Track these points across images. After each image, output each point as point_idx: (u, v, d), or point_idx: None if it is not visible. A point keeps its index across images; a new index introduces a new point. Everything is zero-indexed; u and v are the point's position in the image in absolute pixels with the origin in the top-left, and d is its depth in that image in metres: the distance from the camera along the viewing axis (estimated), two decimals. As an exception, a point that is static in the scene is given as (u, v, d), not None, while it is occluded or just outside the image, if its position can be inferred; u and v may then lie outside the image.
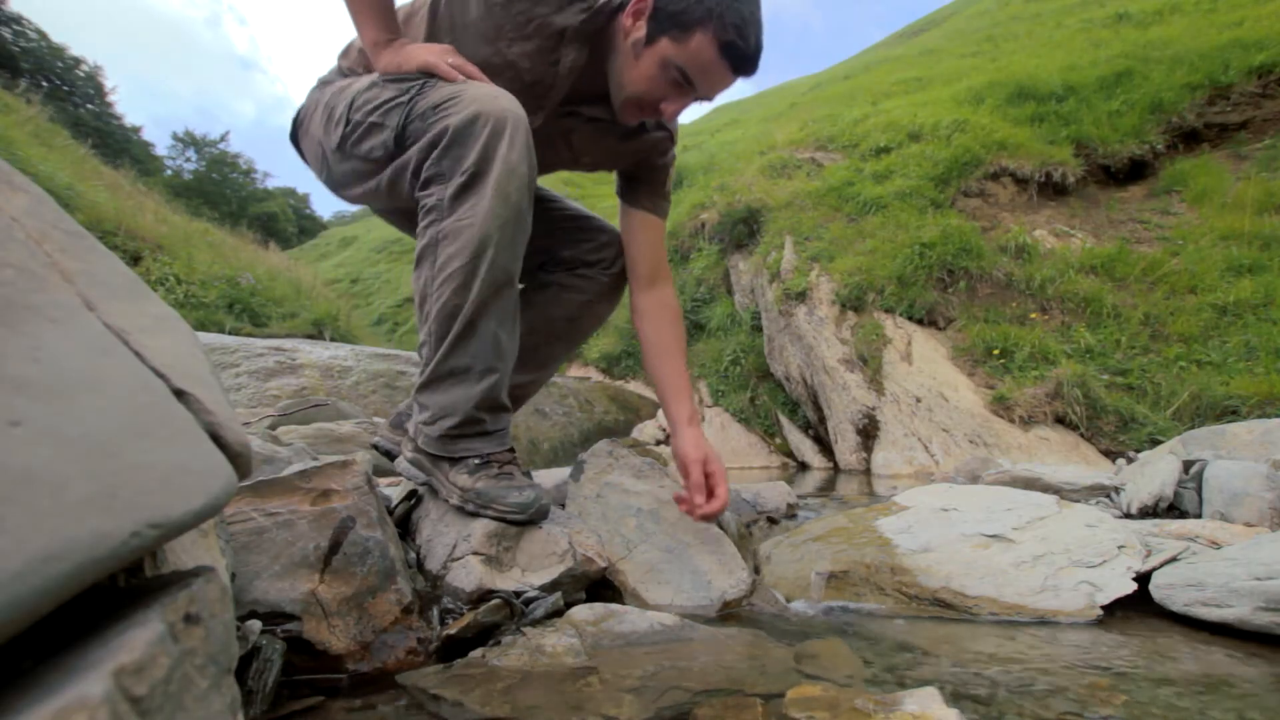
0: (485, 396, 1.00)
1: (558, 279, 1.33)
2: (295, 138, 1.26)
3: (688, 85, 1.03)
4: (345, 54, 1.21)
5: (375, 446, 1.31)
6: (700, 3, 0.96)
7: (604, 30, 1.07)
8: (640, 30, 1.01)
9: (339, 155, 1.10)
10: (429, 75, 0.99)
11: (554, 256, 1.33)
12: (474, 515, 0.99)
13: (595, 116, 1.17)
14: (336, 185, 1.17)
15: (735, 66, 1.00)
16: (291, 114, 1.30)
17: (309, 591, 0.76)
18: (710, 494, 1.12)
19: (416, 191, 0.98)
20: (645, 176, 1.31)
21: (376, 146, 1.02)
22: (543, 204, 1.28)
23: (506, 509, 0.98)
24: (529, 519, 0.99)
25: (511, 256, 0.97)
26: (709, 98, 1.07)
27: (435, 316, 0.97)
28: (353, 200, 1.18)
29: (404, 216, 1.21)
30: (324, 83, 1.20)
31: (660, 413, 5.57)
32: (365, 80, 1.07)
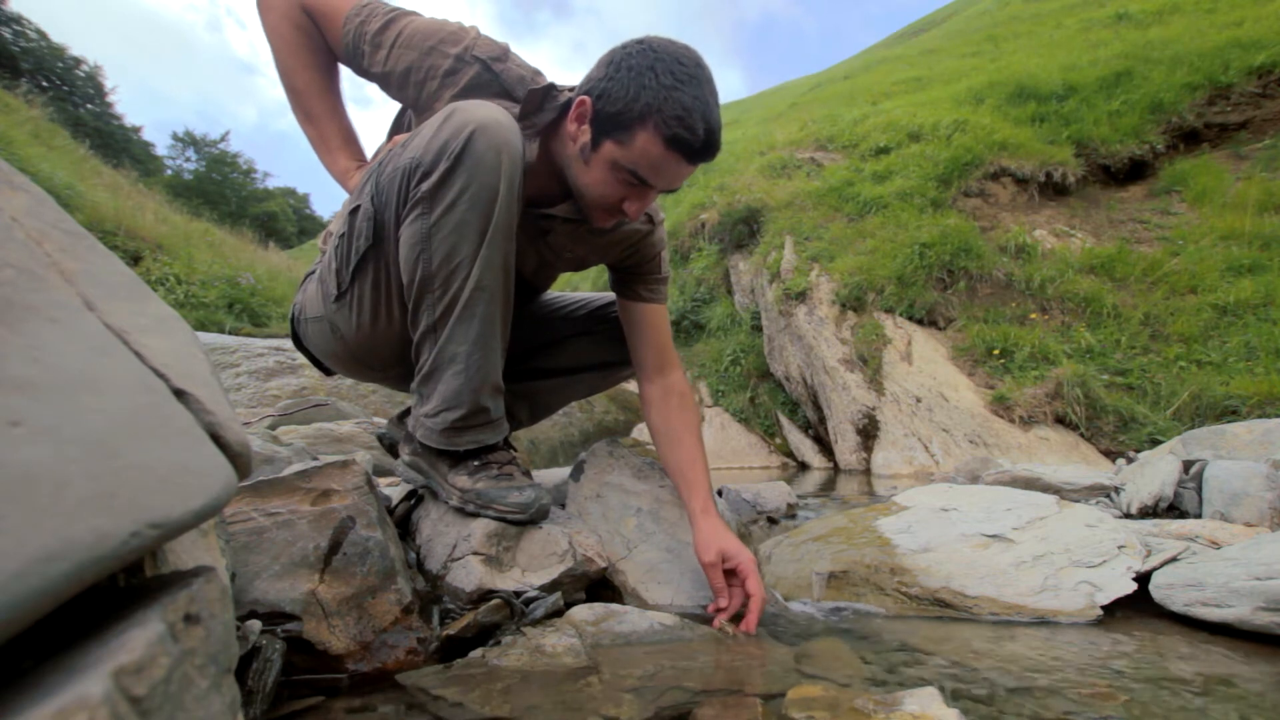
0: (485, 380, 0.99)
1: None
2: (297, 337, 1.22)
3: (643, 184, 0.99)
4: (324, 239, 1.18)
5: (380, 438, 1.31)
6: (637, 100, 0.91)
7: (555, 129, 1.05)
8: (585, 135, 0.98)
9: (340, 303, 1.06)
10: None
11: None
12: (474, 515, 0.99)
13: (568, 217, 1.13)
14: (355, 355, 1.13)
15: (688, 157, 0.95)
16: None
17: (309, 591, 0.76)
18: (744, 592, 0.99)
19: (406, 194, 0.93)
20: (636, 267, 1.26)
21: (361, 231, 0.98)
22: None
23: (507, 509, 0.98)
24: (530, 519, 0.99)
25: (506, 236, 0.95)
26: (672, 189, 1.03)
27: (429, 308, 0.95)
28: (383, 364, 1.14)
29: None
30: (308, 275, 1.19)
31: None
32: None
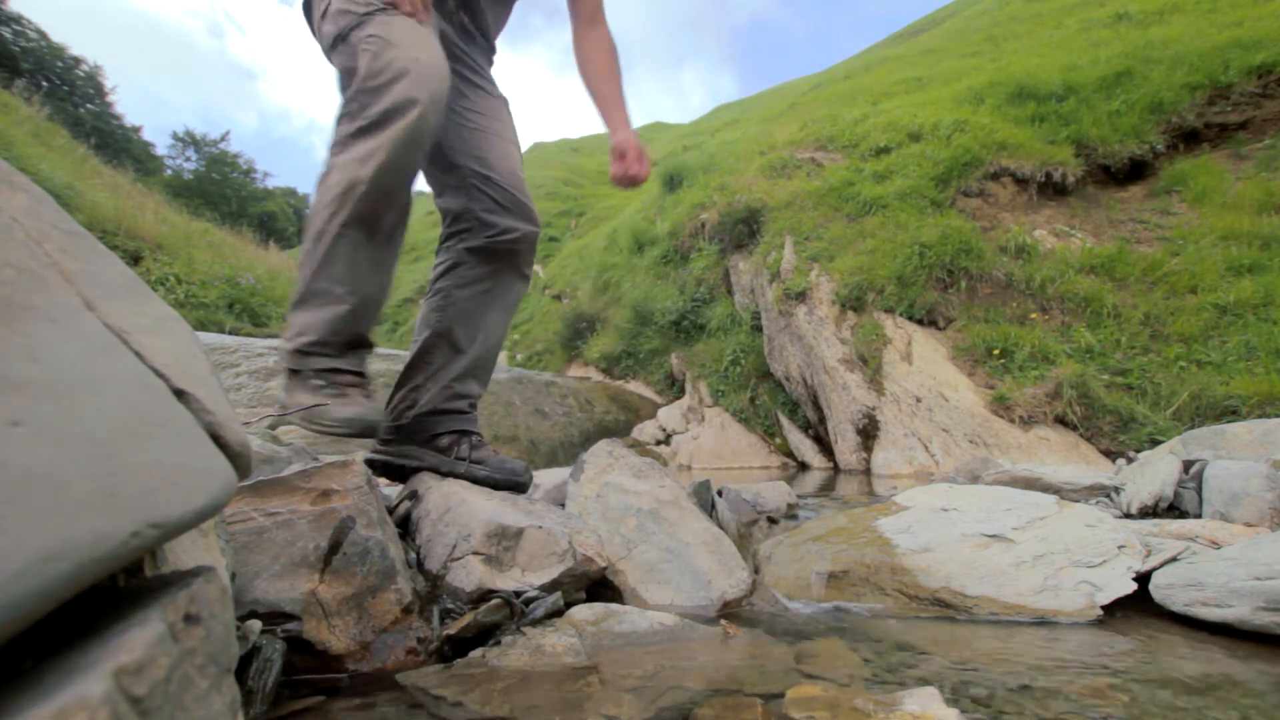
0: (343, 324, 1.09)
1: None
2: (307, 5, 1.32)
3: None
4: None
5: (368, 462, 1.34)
6: None
7: None
8: None
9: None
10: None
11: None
12: (321, 435, 1.06)
13: None
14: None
15: None
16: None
17: (309, 591, 0.76)
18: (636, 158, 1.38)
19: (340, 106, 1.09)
20: None
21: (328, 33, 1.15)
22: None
23: (332, 424, 1.03)
24: (354, 433, 1.04)
25: (386, 204, 1.07)
26: None
27: (310, 237, 1.08)
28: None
29: None
30: None
31: (660, 412, 5.57)
32: None
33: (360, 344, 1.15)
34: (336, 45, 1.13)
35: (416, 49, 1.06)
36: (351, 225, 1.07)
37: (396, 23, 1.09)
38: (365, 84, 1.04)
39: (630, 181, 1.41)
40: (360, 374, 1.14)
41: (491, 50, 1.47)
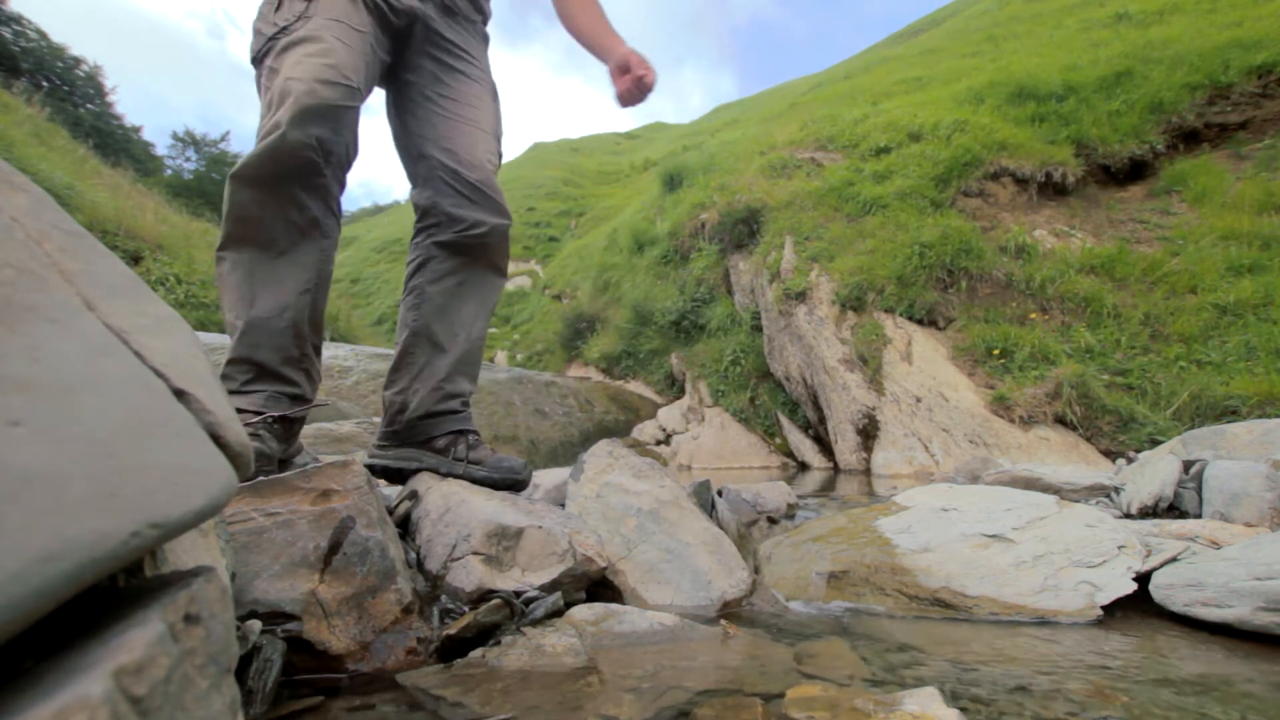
0: (236, 351, 1.12)
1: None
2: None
3: None
4: None
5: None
6: None
7: None
8: None
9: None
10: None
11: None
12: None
13: None
14: None
15: None
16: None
17: (309, 591, 0.76)
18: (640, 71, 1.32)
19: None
20: None
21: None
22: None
23: None
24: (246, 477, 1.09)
25: (249, 226, 1.10)
26: None
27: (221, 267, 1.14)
28: None
29: None
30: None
31: (660, 412, 5.57)
32: None
33: (266, 375, 1.14)
34: (255, 65, 1.17)
35: (297, 69, 1.07)
36: (227, 246, 1.12)
37: (291, 53, 1.10)
38: (262, 119, 1.10)
39: (642, 90, 1.32)
40: (258, 413, 1.11)
41: (483, 20, 1.44)
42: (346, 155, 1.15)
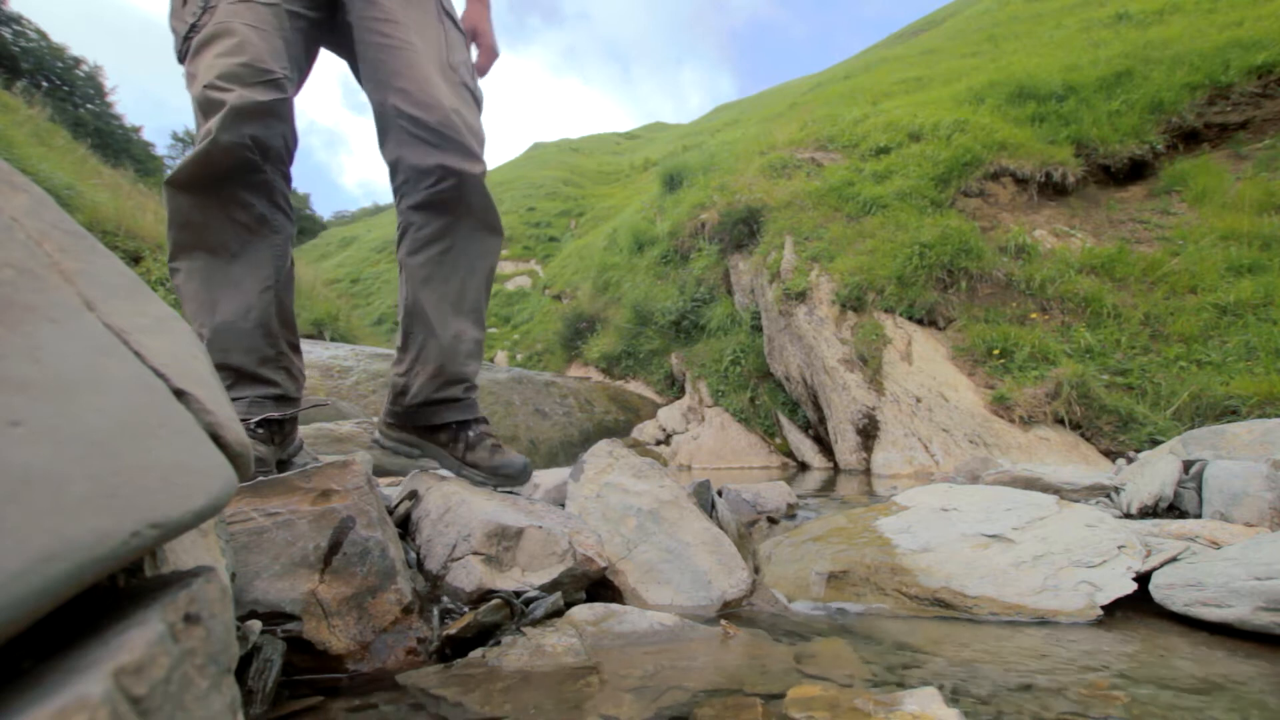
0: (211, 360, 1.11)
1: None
2: None
3: None
4: None
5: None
6: None
7: None
8: None
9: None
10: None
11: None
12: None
13: None
14: None
15: None
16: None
17: (309, 591, 0.76)
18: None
19: None
20: None
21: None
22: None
23: None
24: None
25: (217, 235, 1.09)
26: None
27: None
28: None
29: None
30: None
31: (660, 412, 5.57)
32: None
33: (244, 379, 1.12)
34: (181, 64, 1.13)
35: (212, 72, 1.04)
36: (178, 256, 1.12)
37: (205, 54, 1.07)
38: (197, 126, 1.08)
39: (480, 70, 1.31)
40: (242, 420, 1.09)
41: None
42: (285, 147, 1.11)
